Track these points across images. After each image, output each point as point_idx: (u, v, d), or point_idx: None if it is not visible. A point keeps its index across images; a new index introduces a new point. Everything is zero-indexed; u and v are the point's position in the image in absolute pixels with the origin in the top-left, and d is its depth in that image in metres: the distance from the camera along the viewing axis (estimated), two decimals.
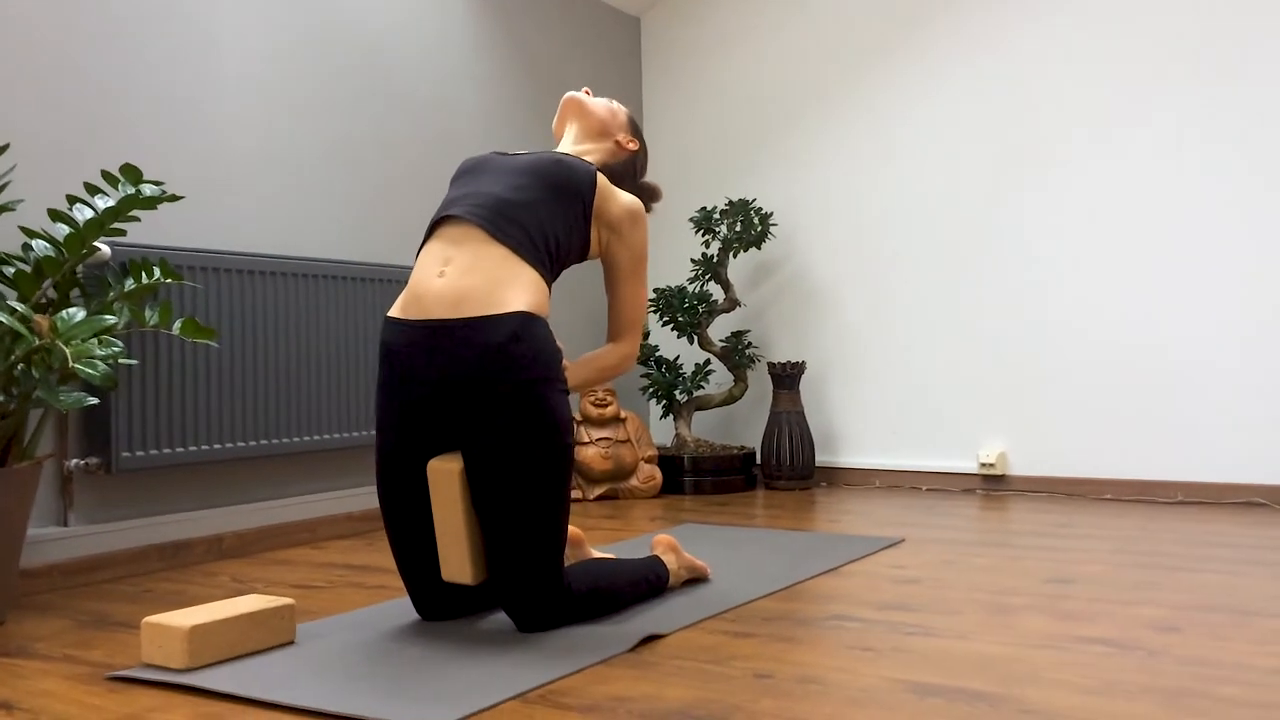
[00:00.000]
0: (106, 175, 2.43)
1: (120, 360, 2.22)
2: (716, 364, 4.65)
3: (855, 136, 4.32)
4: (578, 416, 4.12)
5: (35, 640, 2.12)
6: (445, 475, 2.01)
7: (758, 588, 2.41)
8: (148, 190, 2.38)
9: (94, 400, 2.15)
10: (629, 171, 2.48)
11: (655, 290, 4.33)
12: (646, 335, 4.37)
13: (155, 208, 2.43)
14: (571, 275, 4.40)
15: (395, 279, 3.38)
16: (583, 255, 2.29)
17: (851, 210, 4.32)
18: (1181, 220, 3.67)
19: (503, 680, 1.74)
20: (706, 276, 4.35)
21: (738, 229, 4.28)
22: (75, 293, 2.53)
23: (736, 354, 4.31)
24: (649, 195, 2.53)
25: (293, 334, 3.08)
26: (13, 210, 2.41)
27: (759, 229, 4.27)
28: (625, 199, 2.30)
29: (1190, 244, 3.65)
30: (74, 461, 2.64)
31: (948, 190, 4.11)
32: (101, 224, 2.31)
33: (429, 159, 3.73)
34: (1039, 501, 3.72)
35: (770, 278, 4.52)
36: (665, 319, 4.33)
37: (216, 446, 2.88)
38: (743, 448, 4.27)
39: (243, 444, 2.94)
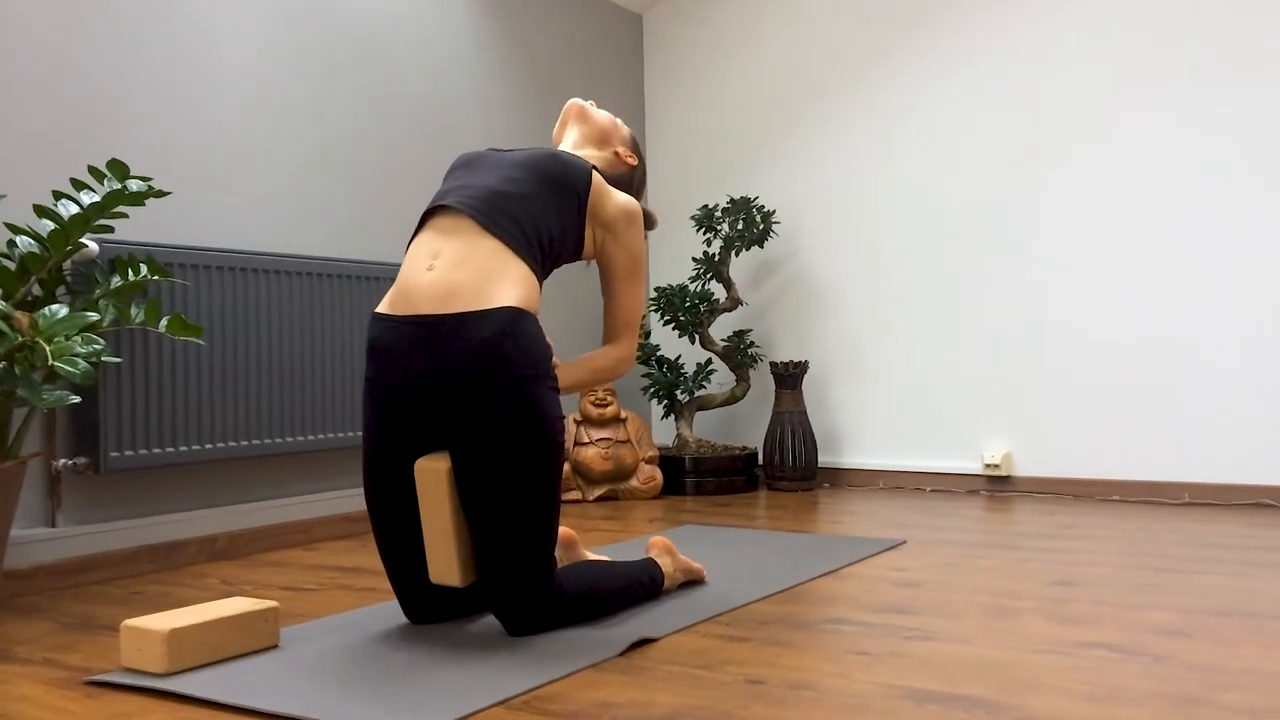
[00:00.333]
0: (93, 170, 2.39)
1: (104, 358, 2.18)
2: (718, 363, 4.61)
3: (858, 134, 4.27)
4: (577, 416, 4.08)
5: (16, 643, 2.08)
6: (432, 475, 1.96)
7: (754, 590, 2.36)
8: (134, 186, 2.35)
9: (76, 399, 2.12)
10: (625, 186, 2.44)
11: (656, 289, 4.29)
12: (647, 335, 4.33)
13: (143, 204, 2.39)
14: (572, 276, 4.35)
15: (391, 277, 3.34)
16: (577, 254, 2.24)
17: (854, 208, 4.27)
18: (1185, 218, 3.62)
19: (487, 685, 1.70)
20: (708, 275, 4.30)
21: (740, 227, 4.23)
22: (63, 291, 2.49)
23: (738, 353, 4.26)
24: (645, 219, 2.47)
25: (288, 332, 3.04)
26: None
27: (761, 227, 4.22)
28: (621, 198, 2.26)
29: (1194, 242, 3.60)
30: (62, 461, 2.60)
31: (951, 188, 4.06)
32: (86, 220, 2.27)
33: (427, 156, 3.69)
34: (1043, 503, 3.67)
35: (772, 276, 4.48)
36: (666, 318, 4.28)
37: (208, 446, 2.84)
38: (744, 448, 4.23)
39: (235, 444, 2.90)
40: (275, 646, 1.97)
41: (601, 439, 4.02)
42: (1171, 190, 3.65)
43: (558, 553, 2.43)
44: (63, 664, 1.93)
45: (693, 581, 2.44)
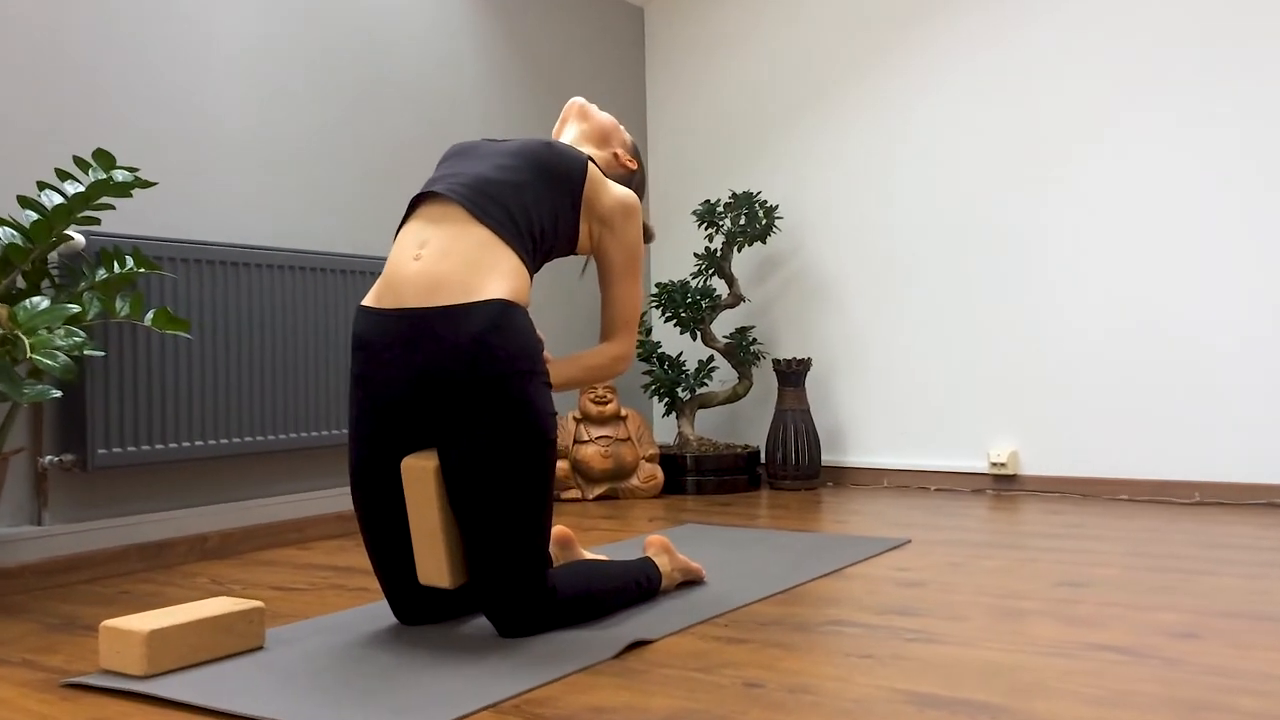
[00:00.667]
0: (78, 161, 2.34)
1: (87, 351, 2.13)
2: (720, 361, 4.55)
3: (862, 129, 4.21)
4: (577, 414, 4.02)
5: None
6: (420, 474, 1.91)
7: (755, 591, 2.30)
8: (120, 176, 2.29)
9: (57, 393, 2.06)
10: None
11: (657, 285, 4.23)
12: (648, 331, 4.27)
13: (129, 194, 2.34)
14: (571, 269, 4.30)
15: None
16: (570, 248, 2.18)
17: (858, 203, 4.22)
18: (1196, 214, 3.56)
19: (476, 689, 1.64)
20: (710, 271, 4.24)
21: (742, 222, 4.17)
22: (48, 284, 2.44)
23: (741, 350, 4.20)
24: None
25: (281, 327, 2.99)
26: None
27: (764, 222, 4.17)
28: (618, 191, 2.20)
29: (1204, 238, 3.54)
30: (48, 458, 2.55)
31: (957, 183, 4.01)
32: (70, 210, 2.22)
33: (423, 150, 3.63)
34: (1051, 502, 3.61)
35: (775, 272, 4.42)
36: (668, 314, 4.23)
37: (199, 444, 2.78)
38: (747, 446, 4.17)
39: (227, 441, 2.85)
40: (260, 648, 1.92)
41: (601, 437, 3.96)
42: (1182, 186, 3.59)
43: (554, 552, 2.37)
44: (42, 665, 1.87)
45: (691, 581, 2.39)
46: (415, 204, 2.08)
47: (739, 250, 4.25)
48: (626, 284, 2.22)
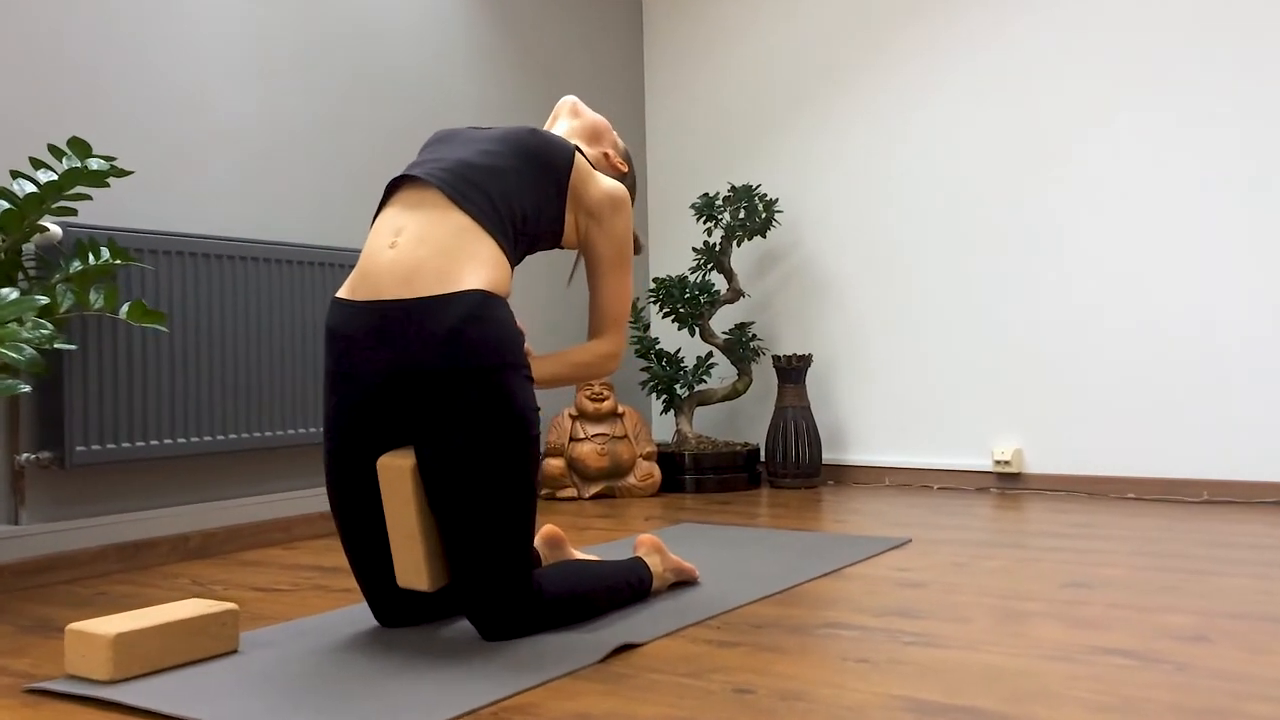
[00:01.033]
0: (53, 149, 2.27)
1: (56, 345, 2.06)
2: (719, 357, 4.48)
3: (863, 121, 4.14)
4: (573, 411, 3.95)
5: None
6: (396, 473, 1.83)
7: (749, 592, 2.23)
8: (94, 164, 2.22)
9: (26, 387, 2.00)
10: None
11: (655, 280, 4.16)
12: (646, 327, 4.20)
13: (105, 184, 2.27)
14: (562, 268, 4.23)
15: None
16: (555, 240, 2.11)
17: (860, 197, 4.14)
18: (1205, 211, 3.48)
19: (454, 695, 1.57)
20: (709, 266, 4.17)
21: (741, 216, 4.10)
22: (23, 277, 2.37)
23: (740, 347, 4.13)
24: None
25: (267, 322, 2.92)
26: None
27: (763, 216, 4.09)
28: (606, 183, 2.12)
29: (1212, 236, 3.46)
30: (25, 455, 2.48)
31: (961, 177, 3.93)
32: (43, 199, 2.15)
33: (414, 141, 3.56)
34: (1056, 501, 3.53)
35: (775, 267, 4.35)
36: (666, 310, 4.16)
37: (181, 441, 2.72)
38: (746, 444, 4.10)
39: (210, 438, 2.78)
40: (235, 651, 1.85)
41: (598, 434, 3.89)
42: (1190, 182, 3.51)
43: (543, 551, 2.30)
44: (8, 670, 1.81)
45: (684, 582, 2.32)
46: (392, 189, 2.01)
47: (738, 244, 4.18)
48: (615, 279, 2.14)
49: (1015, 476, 3.81)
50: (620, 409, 3.97)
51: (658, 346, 4.20)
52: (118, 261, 2.32)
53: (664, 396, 4.19)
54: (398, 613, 1.98)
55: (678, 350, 4.23)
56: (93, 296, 2.27)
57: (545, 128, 2.35)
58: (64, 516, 2.59)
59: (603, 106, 4.40)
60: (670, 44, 4.61)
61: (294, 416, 2.98)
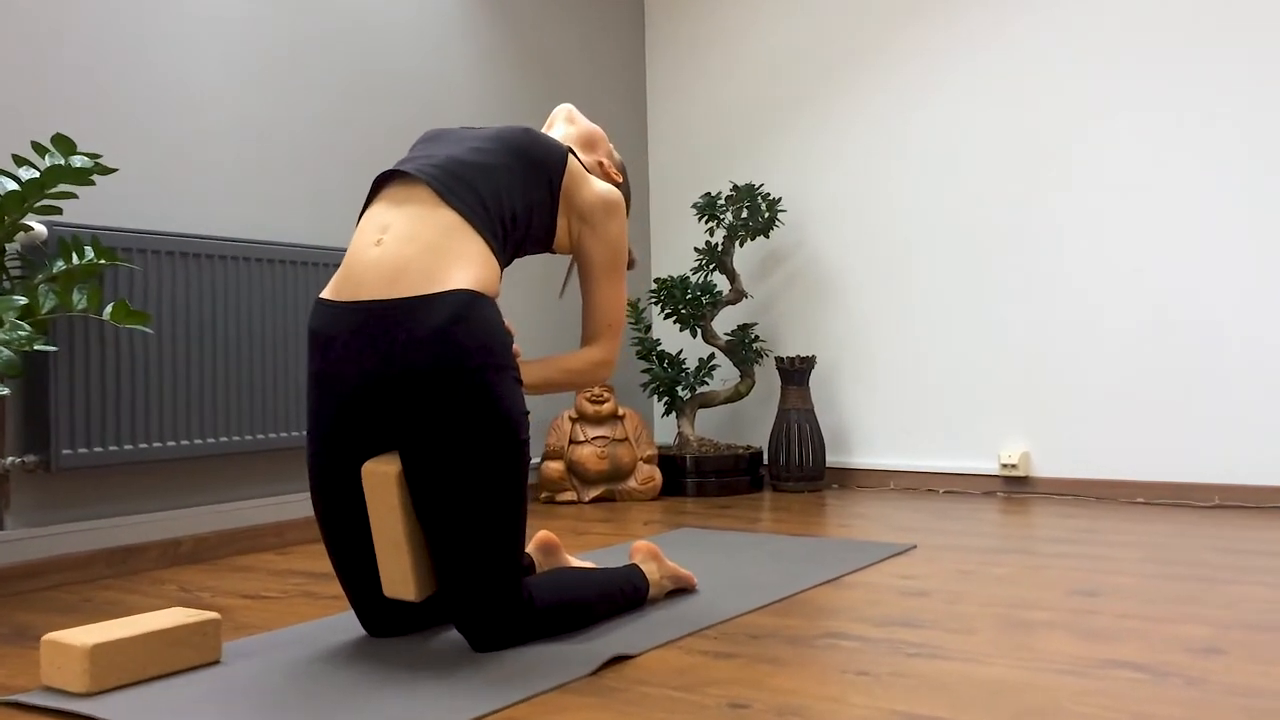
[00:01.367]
0: (36, 146, 2.22)
1: (36, 346, 2.01)
2: (721, 359, 4.42)
3: (868, 119, 4.08)
4: (573, 414, 3.89)
5: None
6: (381, 479, 1.78)
7: (748, 600, 2.17)
8: (78, 161, 2.17)
9: (4, 390, 1.94)
10: None
11: (656, 280, 4.10)
12: (648, 328, 4.14)
13: (89, 181, 2.22)
14: (556, 271, 4.17)
15: None
16: (546, 244, 2.05)
17: (865, 196, 4.08)
18: (1209, 206, 3.41)
19: (437, 709, 1.52)
20: (711, 266, 4.11)
21: (744, 216, 4.04)
22: (5, 278, 2.32)
23: (743, 348, 4.07)
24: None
25: (261, 323, 2.87)
26: None
27: (766, 216, 4.03)
28: (599, 186, 2.07)
29: (1223, 237, 3.40)
30: (10, 459, 2.43)
31: (967, 177, 3.87)
32: (24, 198, 2.10)
33: (411, 140, 3.50)
34: (1064, 505, 3.46)
35: (779, 267, 4.29)
36: (667, 311, 4.10)
37: (171, 444, 2.66)
38: (749, 447, 4.04)
39: (201, 441, 2.73)
40: (216, 662, 1.80)
41: (598, 437, 3.83)
42: (1197, 177, 3.45)
43: (537, 558, 2.25)
44: None
45: (681, 590, 2.26)
46: (380, 185, 1.95)
47: (741, 244, 4.12)
48: (609, 284, 2.09)
49: (1022, 480, 3.75)
50: (621, 411, 3.92)
51: (659, 348, 4.14)
52: (102, 261, 2.27)
53: (665, 399, 4.14)
54: (385, 622, 1.93)
55: (679, 352, 4.17)
56: (76, 297, 2.22)
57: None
58: (50, 521, 2.54)
59: (604, 105, 4.34)
60: (672, 42, 4.55)
61: (287, 419, 2.93)
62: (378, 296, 1.78)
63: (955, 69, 3.90)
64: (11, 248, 2.39)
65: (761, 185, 4.10)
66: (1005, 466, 3.73)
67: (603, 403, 3.86)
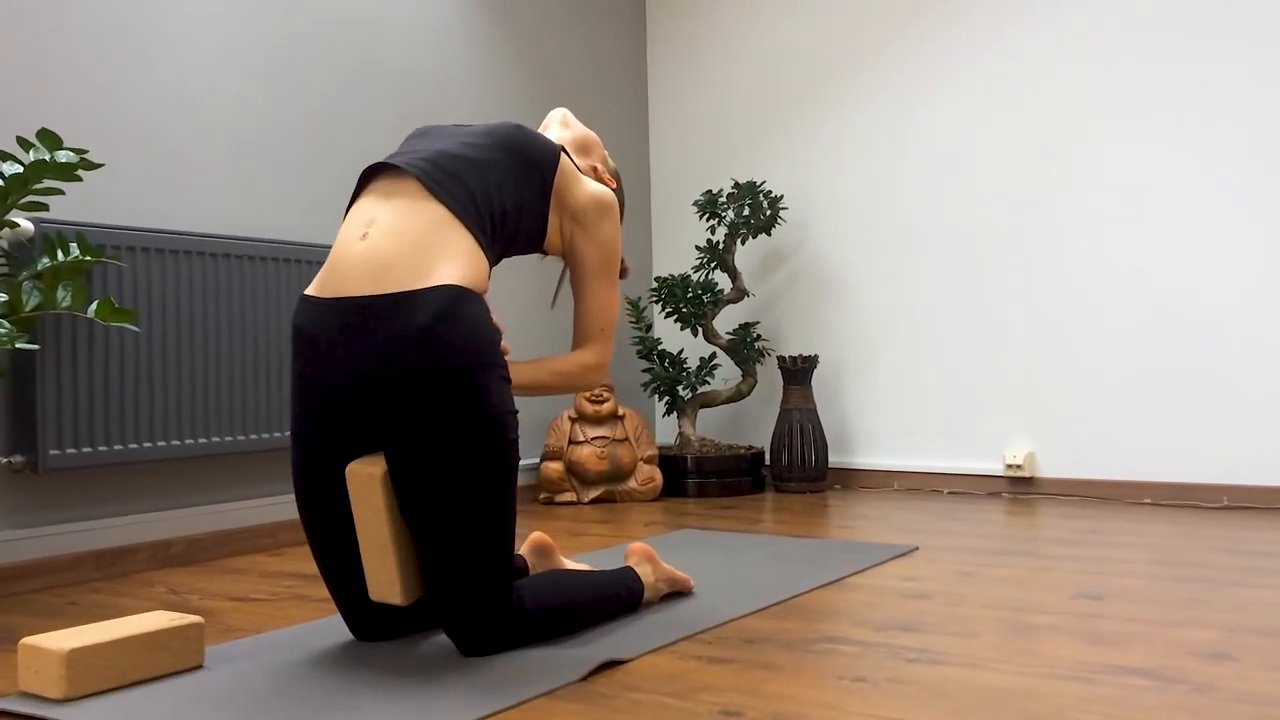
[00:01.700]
0: (21, 141, 2.18)
1: (17, 344, 1.97)
2: (723, 358, 4.38)
3: (870, 118, 4.03)
4: (572, 413, 3.85)
5: None
6: (366, 480, 1.73)
7: (745, 603, 2.12)
8: (63, 157, 2.14)
9: None
10: None
11: (657, 279, 4.06)
12: (649, 327, 4.10)
13: (75, 177, 2.18)
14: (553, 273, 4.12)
15: None
16: (537, 243, 2.01)
17: (867, 195, 4.04)
18: (1220, 212, 3.37)
19: (426, 715, 1.47)
20: (712, 265, 4.07)
21: (745, 213, 4.00)
22: None
23: (744, 347, 4.03)
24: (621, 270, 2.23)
25: (253, 321, 2.83)
26: None
27: (768, 214, 3.99)
28: (592, 186, 2.02)
29: (1228, 229, 3.35)
30: None
31: (970, 174, 3.82)
32: (7, 193, 2.06)
33: (404, 136, 3.46)
34: (1070, 506, 3.42)
35: (781, 266, 4.24)
36: (668, 310, 4.06)
37: (162, 444, 2.63)
38: (750, 448, 4.00)
39: (192, 442, 2.69)
40: (199, 667, 1.76)
41: (597, 437, 3.79)
42: (1198, 177, 3.40)
43: (531, 560, 2.21)
44: None
45: (678, 593, 2.21)
46: (368, 178, 1.91)
47: (742, 243, 4.08)
48: (601, 286, 2.04)
49: (1027, 481, 3.70)
50: (621, 411, 3.87)
51: (660, 347, 4.10)
52: (88, 258, 2.23)
53: (666, 398, 4.10)
54: (373, 626, 1.89)
55: (680, 351, 4.13)
56: (60, 294, 2.18)
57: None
58: (37, 523, 2.50)
59: (605, 105, 4.30)
60: (673, 41, 4.51)
61: (280, 419, 2.89)
62: (363, 293, 1.73)
63: (955, 69, 3.85)
64: None
65: (763, 183, 4.05)
66: (1010, 467, 3.69)
67: (603, 402, 3.82)
